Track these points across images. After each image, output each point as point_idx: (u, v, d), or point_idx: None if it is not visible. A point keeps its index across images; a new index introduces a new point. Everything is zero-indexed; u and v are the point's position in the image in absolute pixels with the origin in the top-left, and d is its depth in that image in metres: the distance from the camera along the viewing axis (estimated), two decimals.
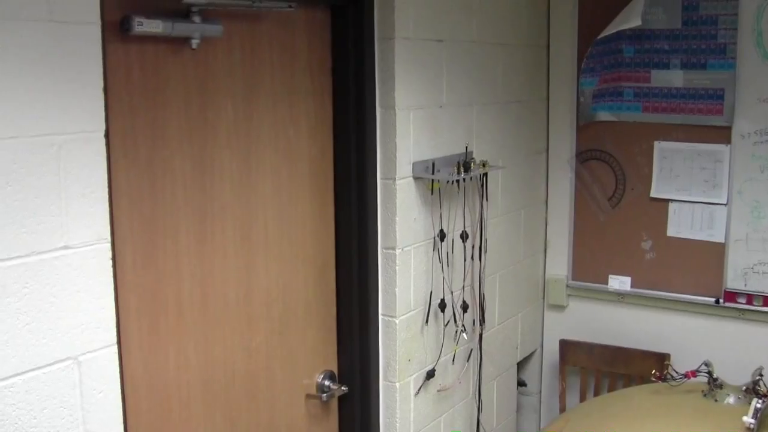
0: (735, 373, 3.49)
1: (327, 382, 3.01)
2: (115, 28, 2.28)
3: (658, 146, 4.22)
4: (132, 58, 2.37)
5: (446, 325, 3.58)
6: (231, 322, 2.73)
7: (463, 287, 3.68)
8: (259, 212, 2.80)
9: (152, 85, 2.44)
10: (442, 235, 3.48)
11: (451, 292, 3.58)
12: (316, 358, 3.05)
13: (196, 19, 2.44)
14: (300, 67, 2.93)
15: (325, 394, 3.00)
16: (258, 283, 2.80)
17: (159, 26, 2.33)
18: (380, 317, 3.33)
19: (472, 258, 3.69)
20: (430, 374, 3.52)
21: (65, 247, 2.13)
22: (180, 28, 2.40)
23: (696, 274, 4.20)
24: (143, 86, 2.41)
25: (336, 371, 3.18)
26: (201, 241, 2.63)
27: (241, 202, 2.74)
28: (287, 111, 2.89)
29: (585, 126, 4.38)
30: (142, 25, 2.28)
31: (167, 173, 2.50)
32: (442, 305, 3.53)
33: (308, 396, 2.96)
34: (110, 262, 2.25)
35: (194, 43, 2.46)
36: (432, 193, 3.42)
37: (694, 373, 3.47)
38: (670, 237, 4.25)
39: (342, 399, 3.37)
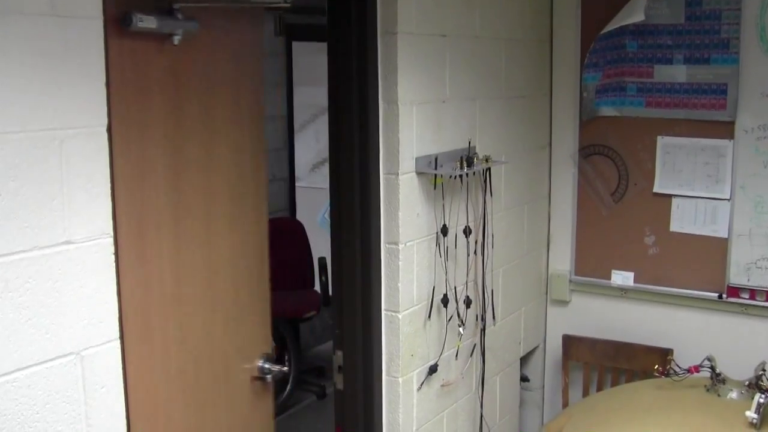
0: (738, 368, 3.49)
1: (267, 365, 3.00)
2: (115, 23, 2.27)
3: (661, 141, 4.22)
4: (129, 53, 2.36)
5: (449, 320, 3.57)
6: (198, 312, 2.71)
7: (466, 282, 3.67)
8: (218, 205, 2.78)
9: (148, 80, 2.43)
10: (445, 230, 3.47)
11: (454, 288, 3.57)
12: (256, 342, 3.03)
13: (179, 15, 2.44)
14: (245, 63, 2.90)
15: (267, 376, 3.00)
16: (216, 273, 2.79)
17: (154, 22, 2.33)
18: (383, 312, 3.33)
19: (475, 253, 3.68)
20: (433, 369, 3.52)
21: (67, 242, 2.13)
22: (168, 25, 2.40)
23: (699, 270, 4.20)
24: (141, 81, 2.40)
25: (271, 353, 3.15)
26: (177, 234, 2.60)
27: (205, 196, 2.72)
28: (236, 108, 2.86)
29: (588, 121, 4.37)
30: (141, 21, 2.28)
31: (157, 167, 2.49)
32: (445, 300, 3.53)
33: (253, 378, 2.97)
34: (113, 257, 2.25)
35: (176, 39, 2.46)
36: (435, 188, 3.42)
37: (697, 368, 3.47)
38: (673, 232, 4.24)
39: (345, 394, 3.37)
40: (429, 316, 3.48)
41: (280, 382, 5.90)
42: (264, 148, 2.99)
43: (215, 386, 2.80)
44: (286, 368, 3.07)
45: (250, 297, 2.92)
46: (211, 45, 2.66)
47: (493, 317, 3.88)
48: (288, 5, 2.79)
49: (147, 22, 2.31)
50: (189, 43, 2.52)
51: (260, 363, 2.96)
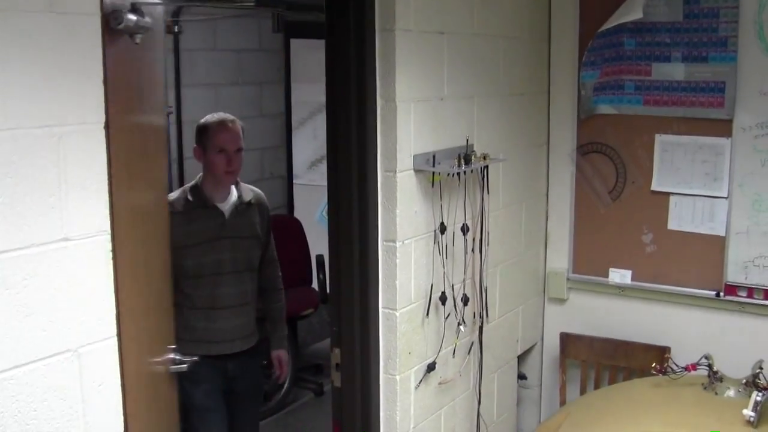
0: (735, 366, 3.49)
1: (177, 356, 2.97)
2: (109, 21, 2.27)
3: (659, 139, 4.21)
4: (120, 49, 2.35)
5: (447, 318, 3.57)
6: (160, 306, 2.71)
7: (464, 280, 3.67)
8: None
9: (132, 76, 2.42)
10: (442, 228, 3.47)
11: (452, 285, 3.57)
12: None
13: (141, 14, 2.43)
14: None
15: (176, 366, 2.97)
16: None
17: (132, 21, 2.32)
18: (381, 310, 3.33)
19: (473, 251, 3.68)
20: (431, 367, 3.52)
21: (65, 239, 2.13)
22: (139, 23, 2.39)
23: (696, 268, 4.20)
24: (130, 77, 2.40)
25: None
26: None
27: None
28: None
29: (586, 119, 4.37)
30: (128, 19, 2.28)
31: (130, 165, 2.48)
32: (443, 298, 3.53)
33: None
34: (110, 254, 2.25)
35: (138, 38, 2.44)
36: (433, 186, 3.42)
37: (695, 366, 3.47)
38: (671, 230, 4.24)
39: (342, 391, 3.37)
40: (427, 314, 3.47)
41: (278, 380, 5.93)
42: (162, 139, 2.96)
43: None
44: (196, 358, 3.05)
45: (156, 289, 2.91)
46: (150, 43, 2.65)
47: (487, 315, 3.87)
48: (252, 4, 2.78)
49: (129, 21, 2.31)
50: (145, 42, 2.52)
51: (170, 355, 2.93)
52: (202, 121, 3.76)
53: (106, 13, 2.23)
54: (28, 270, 2.04)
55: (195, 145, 3.75)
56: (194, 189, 3.73)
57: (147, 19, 2.43)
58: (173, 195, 3.69)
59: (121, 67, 2.36)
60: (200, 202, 3.70)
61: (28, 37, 2.00)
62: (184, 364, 2.91)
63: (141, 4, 2.41)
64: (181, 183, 5.55)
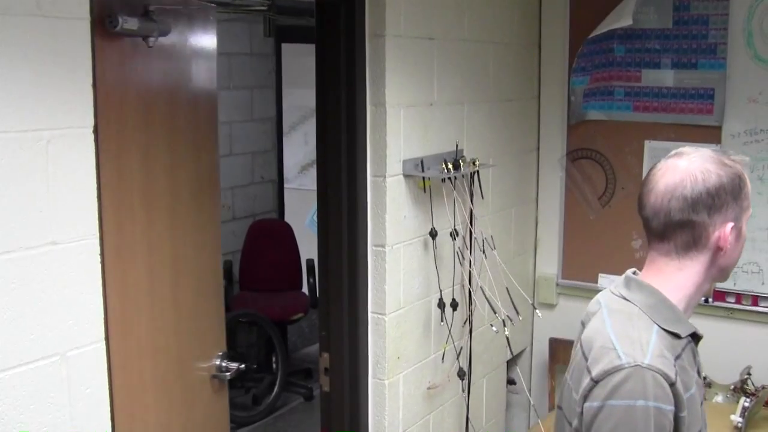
0: (723, 372, 3.51)
1: (224, 363, 3.00)
2: (101, 24, 2.27)
3: (649, 146, 4.23)
4: (114, 54, 2.36)
5: (436, 323, 3.58)
6: (166, 311, 2.70)
7: (453, 285, 3.68)
8: (182, 206, 2.78)
9: (129, 81, 2.43)
10: (432, 233, 3.48)
11: (441, 291, 3.57)
12: (214, 341, 3.02)
13: (155, 17, 2.44)
14: (199, 64, 2.90)
15: (224, 373, 2.99)
16: (180, 273, 2.78)
17: (136, 24, 2.33)
18: (370, 315, 3.33)
19: (463, 256, 3.69)
20: (420, 372, 3.52)
21: (53, 243, 2.12)
22: (147, 27, 2.40)
23: None
24: (124, 83, 2.40)
25: (227, 351, 3.14)
26: (149, 234, 2.60)
27: (171, 198, 2.71)
28: (192, 107, 2.86)
29: (576, 125, 4.38)
30: (126, 22, 2.29)
31: (133, 169, 2.48)
32: (432, 303, 3.53)
33: (212, 377, 2.97)
34: (98, 258, 2.25)
35: (151, 41, 2.45)
36: (424, 191, 3.42)
37: None
38: None
39: (330, 396, 3.37)
40: (416, 319, 3.48)
41: (268, 384, 5.93)
42: (216, 150, 2.99)
43: (181, 385, 2.80)
44: (243, 366, 3.06)
45: (206, 297, 2.91)
46: (175, 48, 2.66)
47: (472, 320, 3.88)
48: (265, 8, 2.79)
49: (130, 24, 2.31)
50: (160, 46, 2.52)
51: (217, 361, 2.95)
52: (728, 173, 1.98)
53: (100, 16, 2.24)
54: (15, 273, 2.04)
55: (729, 223, 1.95)
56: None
57: (158, 22, 2.43)
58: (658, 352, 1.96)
59: (117, 71, 2.36)
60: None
61: (15, 41, 2.00)
62: (229, 372, 2.93)
63: (156, 7, 2.42)
64: None
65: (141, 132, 2.50)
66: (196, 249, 2.81)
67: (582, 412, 1.87)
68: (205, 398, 2.95)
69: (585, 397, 1.86)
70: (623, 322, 1.94)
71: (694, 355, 2.03)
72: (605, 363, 1.85)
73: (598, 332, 1.95)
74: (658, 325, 1.92)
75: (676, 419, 1.83)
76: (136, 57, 2.45)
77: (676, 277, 1.98)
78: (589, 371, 1.88)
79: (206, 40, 2.81)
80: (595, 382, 1.85)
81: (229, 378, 3.01)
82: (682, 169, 1.92)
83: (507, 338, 3.72)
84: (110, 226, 2.35)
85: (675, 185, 1.92)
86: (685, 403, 1.85)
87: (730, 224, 1.91)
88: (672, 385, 1.82)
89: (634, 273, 2.05)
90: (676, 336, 1.94)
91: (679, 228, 1.95)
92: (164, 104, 2.61)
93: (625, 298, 1.99)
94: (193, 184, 2.78)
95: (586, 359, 1.91)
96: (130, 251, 2.46)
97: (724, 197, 1.91)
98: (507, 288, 3.91)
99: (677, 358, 1.91)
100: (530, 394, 4.73)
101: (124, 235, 2.43)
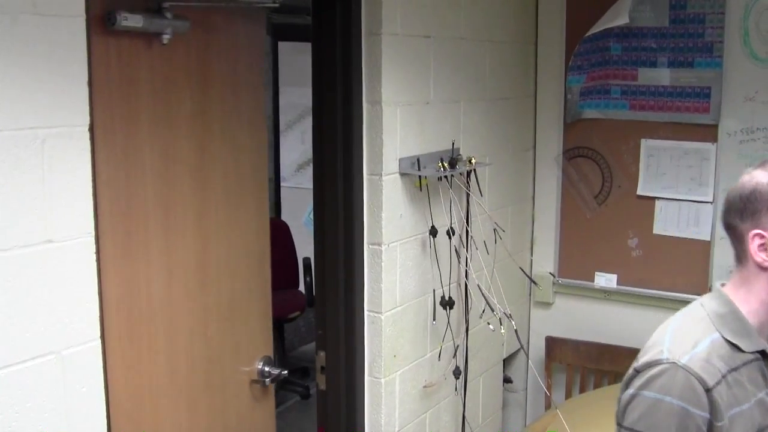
0: None
1: (267, 368, 3.00)
2: (99, 22, 2.27)
3: (645, 144, 4.23)
4: (114, 52, 2.35)
5: (432, 321, 3.58)
6: (190, 313, 2.70)
7: (449, 284, 3.68)
8: (213, 205, 2.78)
9: (130, 79, 2.42)
10: (429, 232, 3.48)
11: (437, 289, 3.57)
12: (256, 345, 3.03)
13: (168, 15, 2.44)
14: (241, 63, 2.90)
15: (266, 379, 3.00)
16: (210, 274, 2.78)
17: (140, 21, 2.33)
18: (366, 313, 3.33)
19: (459, 254, 3.69)
20: (416, 371, 3.52)
21: (49, 241, 2.12)
22: (156, 24, 2.40)
23: (682, 272, 4.21)
24: (124, 80, 2.40)
25: (272, 356, 3.16)
26: (167, 233, 2.60)
27: (196, 195, 2.72)
28: (233, 104, 2.86)
29: (572, 123, 4.38)
30: (126, 20, 2.28)
31: (144, 166, 2.48)
32: (429, 302, 3.53)
33: (252, 381, 2.97)
34: (94, 256, 2.25)
35: (165, 38, 2.46)
36: (421, 190, 3.42)
37: None
38: (657, 234, 4.26)
39: (327, 394, 3.37)
40: (412, 317, 3.48)
41: None
42: (265, 147, 3.00)
43: (209, 389, 2.80)
44: (285, 372, 3.07)
45: (248, 298, 2.91)
46: (206, 44, 2.65)
47: (468, 318, 3.88)
48: (276, 5, 2.79)
49: (132, 21, 2.31)
50: (182, 43, 2.51)
51: (259, 366, 2.95)
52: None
53: (97, 14, 2.23)
54: (11, 272, 2.04)
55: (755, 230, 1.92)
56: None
57: (173, 19, 2.43)
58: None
59: (118, 69, 2.35)
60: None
61: (10, 39, 1.99)
62: (269, 377, 2.93)
63: (171, 4, 2.42)
64: None
65: (151, 130, 2.49)
66: (230, 248, 2.80)
67: (620, 399, 1.94)
68: (240, 404, 2.93)
69: (626, 384, 1.93)
70: (685, 324, 1.99)
71: (764, 375, 1.97)
72: (650, 355, 1.91)
73: (661, 328, 2.00)
74: (721, 334, 1.93)
75: (711, 427, 1.84)
76: (143, 54, 2.44)
77: (742, 290, 1.99)
78: (636, 360, 1.95)
79: (243, 34, 2.80)
80: (637, 371, 1.92)
81: (268, 384, 2.99)
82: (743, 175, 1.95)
83: (517, 334, 3.72)
84: (107, 225, 2.35)
85: (729, 190, 1.98)
86: (724, 415, 1.85)
87: (754, 231, 1.90)
88: (708, 391, 1.83)
89: (721, 285, 2.06)
90: (738, 349, 1.93)
91: (727, 232, 1.99)
92: (184, 102, 2.60)
93: (702, 305, 2.03)
94: (231, 183, 2.77)
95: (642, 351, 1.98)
96: (134, 250, 2.46)
97: (755, 203, 1.89)
98: (502, 287, 3.91)
99: (733, 370, 1.90)
100: (527, 393, 4.75)
101: (126, 234, 2.43)
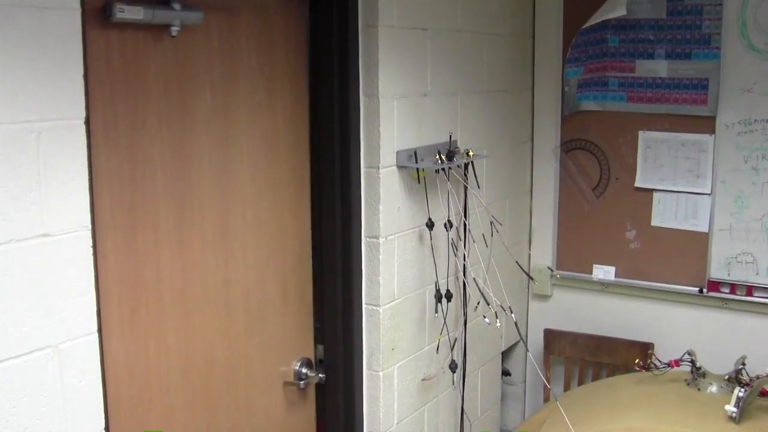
0: (718, 362, 3.51)
1: (304, 370, 3.00)
2: (96, 14, 2.26)
3: (643, 136, 4.22)
4: (112, 44, 2.35)
5: (431, 314, 3.57)
6: (210, 310, 2.71)
7: (448, 276, 3.67)
8: (238, 199, 2.78)
9: (132, 72, 2.42)
10: (426, 224, 3.47)
11: (436, 282, 3.57)
12: (293, 345, 3.04)
13: (176, 6, 2.43)
14: (277, 54, 2.91)
15: (302, 382, 2.99)
16: (236, 271, 2.79)
17: (140, 13, 2.32)
18: (364, 306, 3.33)
19: (457, 247, 3.68)
20: (415, 364, 3.51)
21: (45, 235, 2.11)
22: (160, 16, 2.39)
23: (680, 264, 4.21)
24: (124, 73, 2.39)
25: (313, 359, 3.16)
26: (180, 229, 2.61)
27: (219, 190, 2.72)
28: (264, 97, 2.86)
29: (570, 116, 4.38)
30: (123, 11, 2.27)
31: (147, 160, 2.49)
32: (427, 294, 3.53)
33: (286, 383, 2.95)
34: (91, 250, 2.24)
35: (174, 30, 2.45)
36: (419, 182, 3.41)
37: (678, 363, 3.48)
38: (654, 226, 4.25)
39: (325, 388, 3.36)
40: (410, 310, 3.47)
41: None
42: (306, 143, 3.01)
43: (232, 388, 2.79)
44: (323, 376, 3.06)
45: (282, 298, 2.90)
46: (230, 33, 2.64)
47: (467, 311, 3.87)
48: None
49: (130, 13, 2.29)
50: (199, 34, 2.50)
51: (296, 367, 2.93)
52: None
53: (94, 6, 2.22)
54: (7, 265, 2.03)
55: None
56: None
57: (180, 11, 2.42)
58: None
59: (116, 62, 2.34)
60: None
61: (5, 31, 1.98)
62: (304, 380, 2.92)
63: None
64: None
65: (157, 124, 2.49)
66: (260, 248, 2.80)
67: None
68: (271, 405, 2.91)
69: None
70: None
71: None
72: None
73: None
74: None
75: None
76: (151, 48, 2.43)
77: None
78: None
79: (270, 20, 2.81)
80: None
81: (303, 386, 2.96)
82: None
83: (516, 326, 3.72)
84: (104, 219, 2.34)
85: None
86: None
87: None
88: None
89: None
90: None
91: None
92: (204, 96, 2.59)
93: None
94: (261, 180, 2.77)
95: None
96: (134, 244, 2.46)
97: None
98: (500, 279, 3.91)
99: None
100: (525, 385, 4.75)
101: (127, 229, 2.42)
